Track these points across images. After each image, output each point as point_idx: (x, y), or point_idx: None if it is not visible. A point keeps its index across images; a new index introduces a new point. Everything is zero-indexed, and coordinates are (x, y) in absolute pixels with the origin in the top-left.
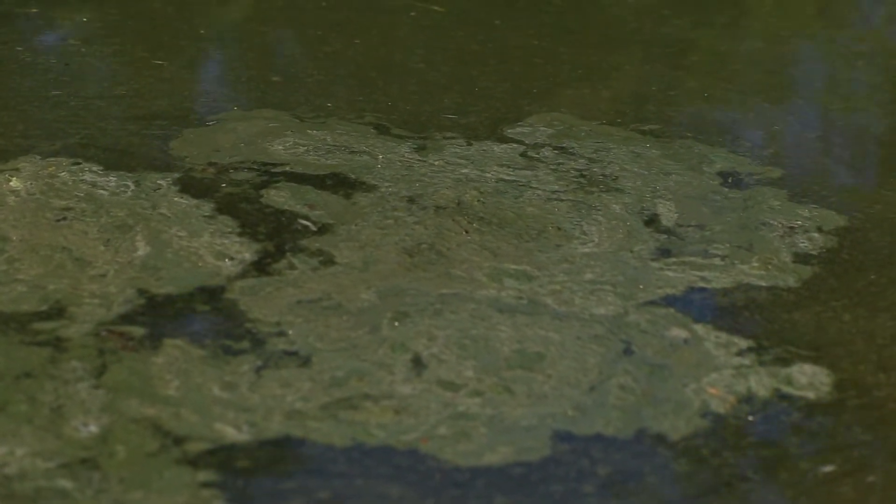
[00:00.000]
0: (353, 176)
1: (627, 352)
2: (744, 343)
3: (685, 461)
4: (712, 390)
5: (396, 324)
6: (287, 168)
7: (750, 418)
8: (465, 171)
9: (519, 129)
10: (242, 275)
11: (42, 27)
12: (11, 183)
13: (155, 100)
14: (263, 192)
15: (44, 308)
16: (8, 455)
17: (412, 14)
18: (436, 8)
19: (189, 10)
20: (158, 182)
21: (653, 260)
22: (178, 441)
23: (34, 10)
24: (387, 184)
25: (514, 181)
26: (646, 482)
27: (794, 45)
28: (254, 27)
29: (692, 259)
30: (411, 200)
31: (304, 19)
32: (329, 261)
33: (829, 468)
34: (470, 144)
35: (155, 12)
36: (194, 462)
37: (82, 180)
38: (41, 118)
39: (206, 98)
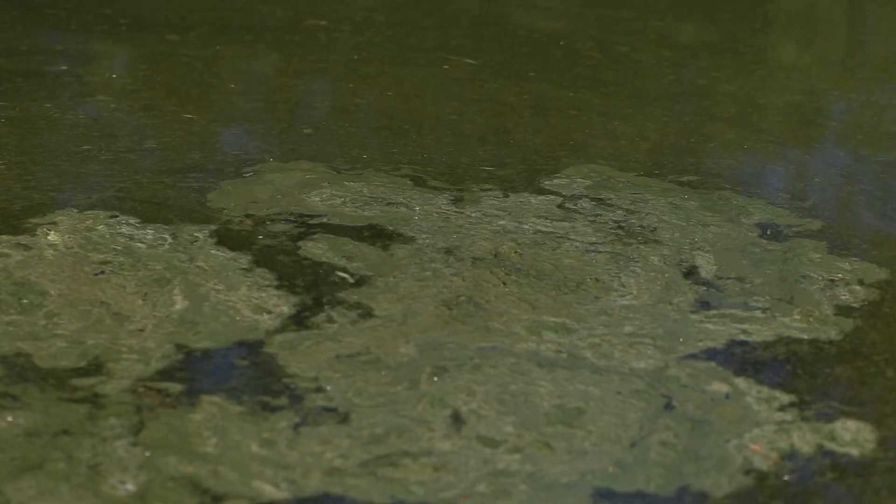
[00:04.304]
0: (390, 227)
1: (668, 407)
2: (786, 398)
3: None
4: (755, 446)
5: (435, 379)
6: (324, 220)
7: (786, 478)
8: (502, 222)
9: (556, 181)
10: (281, 329)
11: (70, 84)
12: (49, 237)
13: (187, 153)
14: (301, 244)
15: (82, 364)
16: None
17: (444, 67)
18: (468, 61)
19: (218, 64)
20: (195, 235)
21: (692, 312)
22: (217, 499)
23: (63, 68)
24: (424, 235)
25: (552, 233)
26: None
27: (833, 97)
28: (284, 80)
29: (732, 312)
30: (449, 252)
31: (334, 72)
32: (367, 314)
33: None
34: (507, 196)
35: (184, 67)
36: None
37: (119, 233)
38: (75, 172)
39: (238, 151)
